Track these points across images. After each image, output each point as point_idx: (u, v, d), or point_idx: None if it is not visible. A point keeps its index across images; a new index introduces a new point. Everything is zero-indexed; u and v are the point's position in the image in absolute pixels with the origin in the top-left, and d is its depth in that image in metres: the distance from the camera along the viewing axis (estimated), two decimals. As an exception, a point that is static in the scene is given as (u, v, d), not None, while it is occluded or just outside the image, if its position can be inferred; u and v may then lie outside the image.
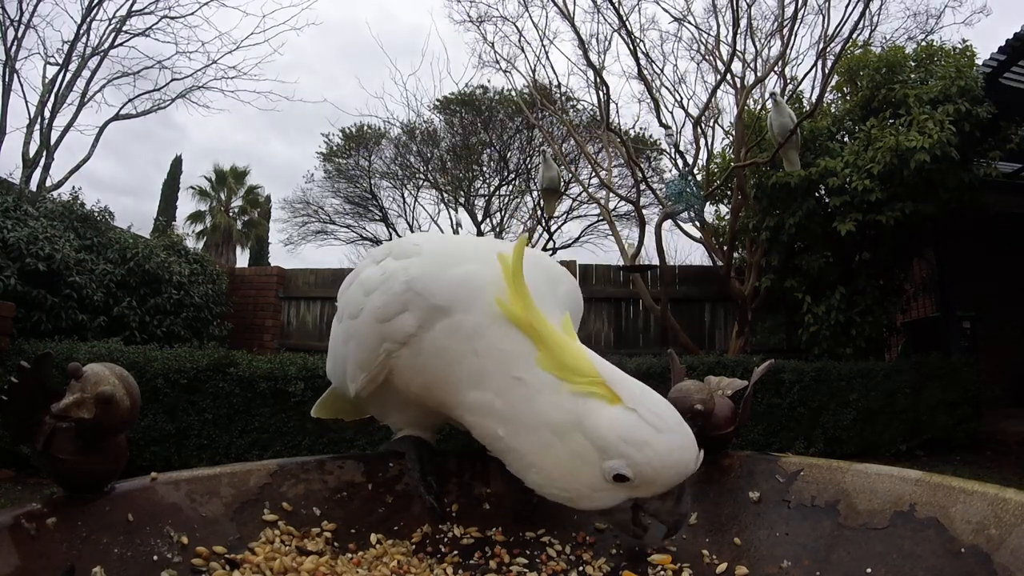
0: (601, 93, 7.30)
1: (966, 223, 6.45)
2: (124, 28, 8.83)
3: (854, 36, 6.77)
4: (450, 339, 0.83)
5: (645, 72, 7.37)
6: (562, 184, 8.51)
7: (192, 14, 9.72)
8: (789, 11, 7.11)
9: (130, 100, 9.34)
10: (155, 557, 0.72)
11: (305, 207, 16.07)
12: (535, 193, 12.33)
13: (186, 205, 28.58)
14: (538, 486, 0.81)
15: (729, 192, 7.40)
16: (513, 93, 10.23)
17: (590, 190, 10.58)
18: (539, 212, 12.11)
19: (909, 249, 6.54)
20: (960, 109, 5.42)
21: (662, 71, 8.78)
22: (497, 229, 13.17)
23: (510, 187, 13.22)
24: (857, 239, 6.03)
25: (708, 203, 7.42)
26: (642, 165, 9.04)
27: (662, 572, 0.84)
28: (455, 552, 0.88)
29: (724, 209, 8.13)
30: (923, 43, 6.79)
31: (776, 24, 7.73)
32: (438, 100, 12.66)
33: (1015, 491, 0.71)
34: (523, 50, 8.79)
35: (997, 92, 5.69)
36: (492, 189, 13.22)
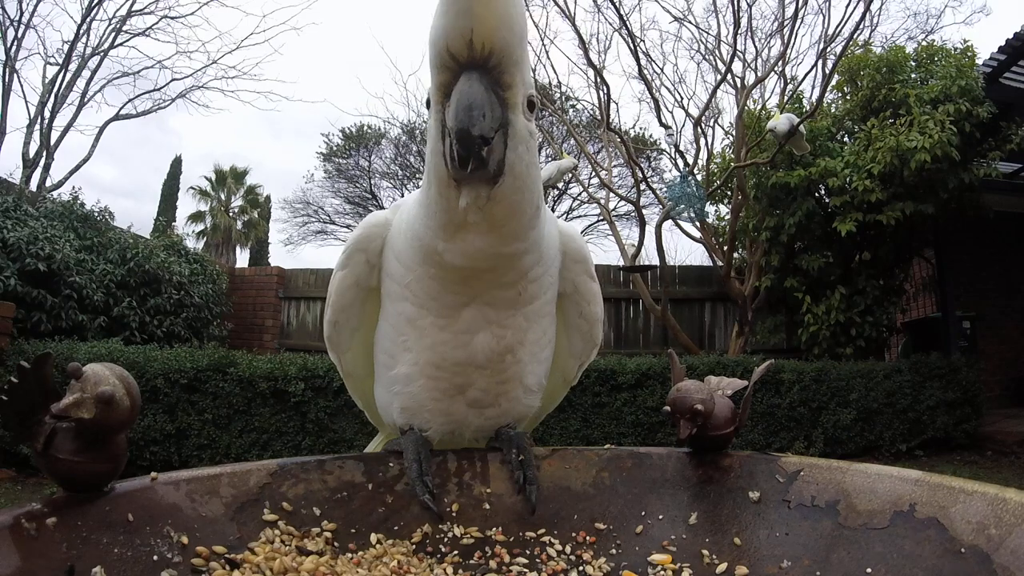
0: (601, 93, 7.31)
1: (966, 223, 6.45)
2: (124, 28, 8.83)
3: (855, 36, 6.77)
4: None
5: (645, 72, 7.38)
6: (561, 181, 8.53)
7: (192, 14, 9.75)
8: (789, 11, 7.12)
9: (130, 100, 9.34)
10: (155, 557, 0.72)
11: (305, 207, 16.11)
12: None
13: (186, 205, 28.67)
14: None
15: (729, 192, 7.40)
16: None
17: (590, 190, 10.59)
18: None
19: (909, 249, 6.54)
20: (960, 109, 5.41)
21: (662, 71, 8.80)
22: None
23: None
24: (857, 239, 6.03)
25: (708, 203, 7.42)
26: (642, 165, 9.04)
27: (662, 572, 0.83)
28: (455, 552, 0.88)
29: (724, 209, 8.13)
30: (923, 43, 6.78)
31: (776, 24, 7.74)
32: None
33: (1015, 491, 0.71)
34: (523, 50, 8.79)
35: (997, 92, 5.68)
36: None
